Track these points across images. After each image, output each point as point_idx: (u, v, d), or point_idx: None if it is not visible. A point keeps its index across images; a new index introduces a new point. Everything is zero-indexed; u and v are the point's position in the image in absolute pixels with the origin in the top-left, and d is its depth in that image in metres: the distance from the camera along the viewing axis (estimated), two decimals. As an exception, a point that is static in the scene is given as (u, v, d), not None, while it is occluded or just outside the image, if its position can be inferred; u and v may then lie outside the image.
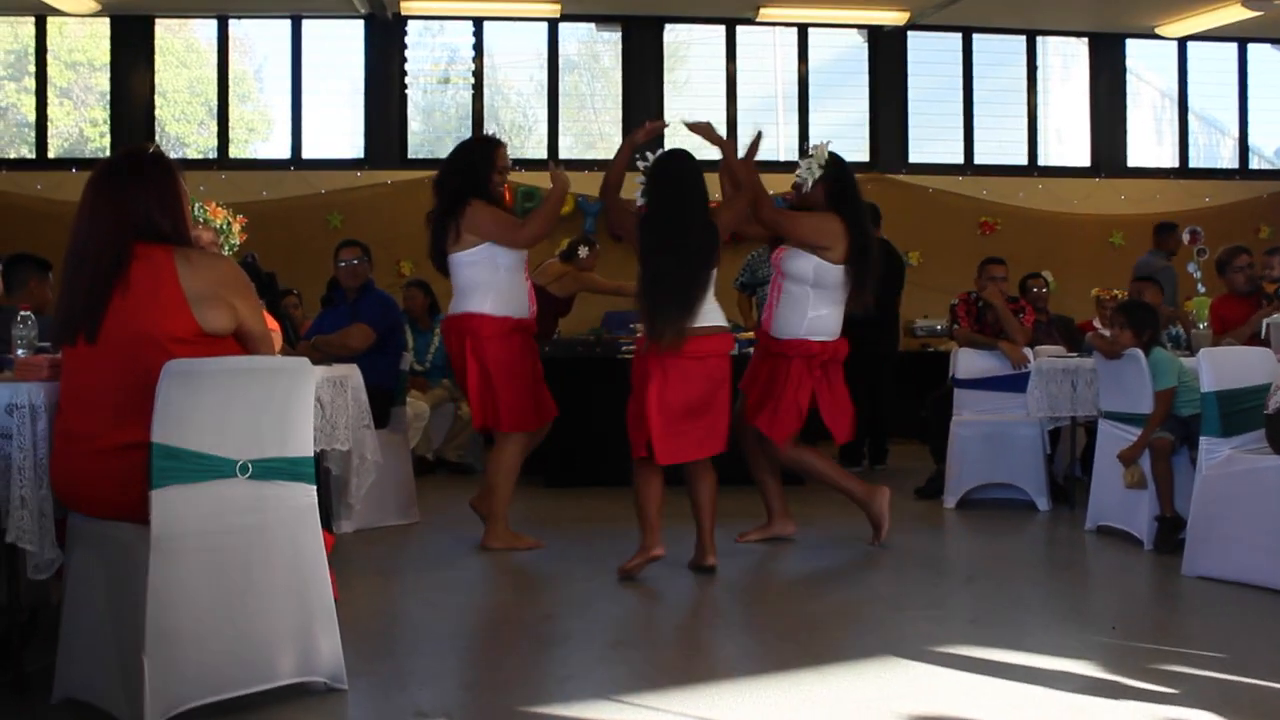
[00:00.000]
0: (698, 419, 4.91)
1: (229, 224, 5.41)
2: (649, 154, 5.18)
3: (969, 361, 7.27)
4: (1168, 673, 3.57)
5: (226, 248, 5.45)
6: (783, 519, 5.81)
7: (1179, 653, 3.86)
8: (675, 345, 4.83)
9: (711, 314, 4.96)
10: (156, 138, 11.31)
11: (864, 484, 5.73)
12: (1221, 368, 5.04)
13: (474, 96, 11.53)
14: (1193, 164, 12.36)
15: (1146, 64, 12.65)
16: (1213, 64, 12.34)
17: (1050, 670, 3.57)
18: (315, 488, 3.29)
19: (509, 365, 5.50)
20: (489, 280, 5.52)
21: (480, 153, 5.63)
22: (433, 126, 12.13)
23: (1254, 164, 12.58)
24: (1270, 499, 4.66)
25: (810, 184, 5.60)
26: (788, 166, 11.42)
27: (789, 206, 5.90)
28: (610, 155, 11.37)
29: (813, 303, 5.49)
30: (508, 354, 5.50)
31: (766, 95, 12.21)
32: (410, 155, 11.40)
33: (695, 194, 5.01)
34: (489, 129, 11.72)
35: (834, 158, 5.65)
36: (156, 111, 11.43)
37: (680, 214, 4.96)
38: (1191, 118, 12.42)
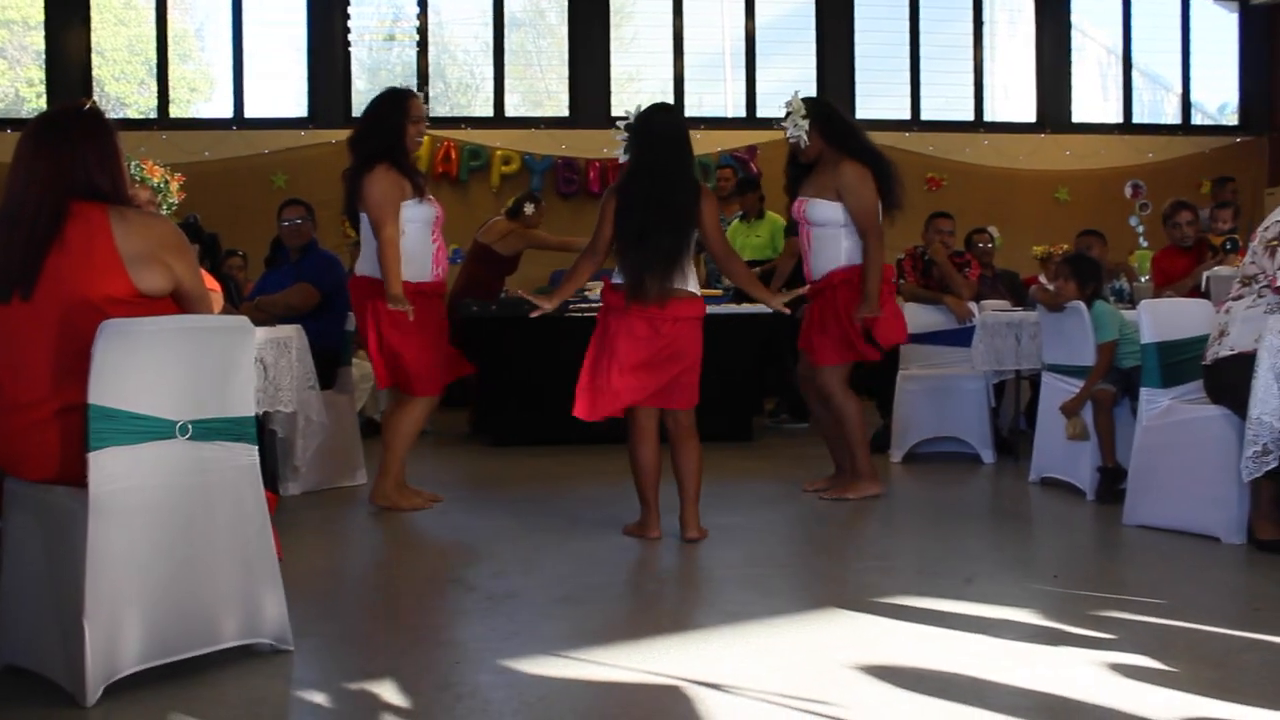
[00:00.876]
0: (666, 375, 4.78)
1: (166, 182, 5.31)
2: (628, 111, 5.04)
3: (914, 316, 7.29)
4: (1107, 619, 3.62)
5: (165, 207, 5.35)
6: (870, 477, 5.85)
7: (1118, 599, 3.92)
8: (660, 301, 4.71)
9: (691, 279, 4.85)
10: (95, 97, 11.10)
11: (874, 466, 5.83)
12: (1161, 319, 5.10)
13: (419, 54, 11.43)
14: (1136, 120, 12.46)
15: (1091, 19, 12.71)
16: (1156, 20, 12.43)
17: (993, 619, 3.62)
18: (257, 448, 3.26)
19: (404, 329, 5.33)
20: None
21: (391, 105, 5.45)
22: (378, 85, 11.95)
23: (1196, 120, 12.69)
24: (1207, 448, 4.74)
25: (805, 138, 5.61)
26: (736, 123, 11.55)
27: (794, 166, 5.85)
28: (558, 113, 11.43)
29: (845, 236, 5.60)
30: (403, 318, 5.29)
31: (714, 52, 12.16)
32: (355, 114, 11.23)
33: (681, 151, 4.86)
34: (435, 87, 11.62)
35: (811, 102, 5.66)
36: (94, 71, 11.23)
37: (666, 171, 4.79)
38: (1135, 73, 12.51)
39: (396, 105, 5.44)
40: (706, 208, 4.85)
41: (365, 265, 5.47)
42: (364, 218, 5.41)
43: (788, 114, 5.66)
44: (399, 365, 5.42)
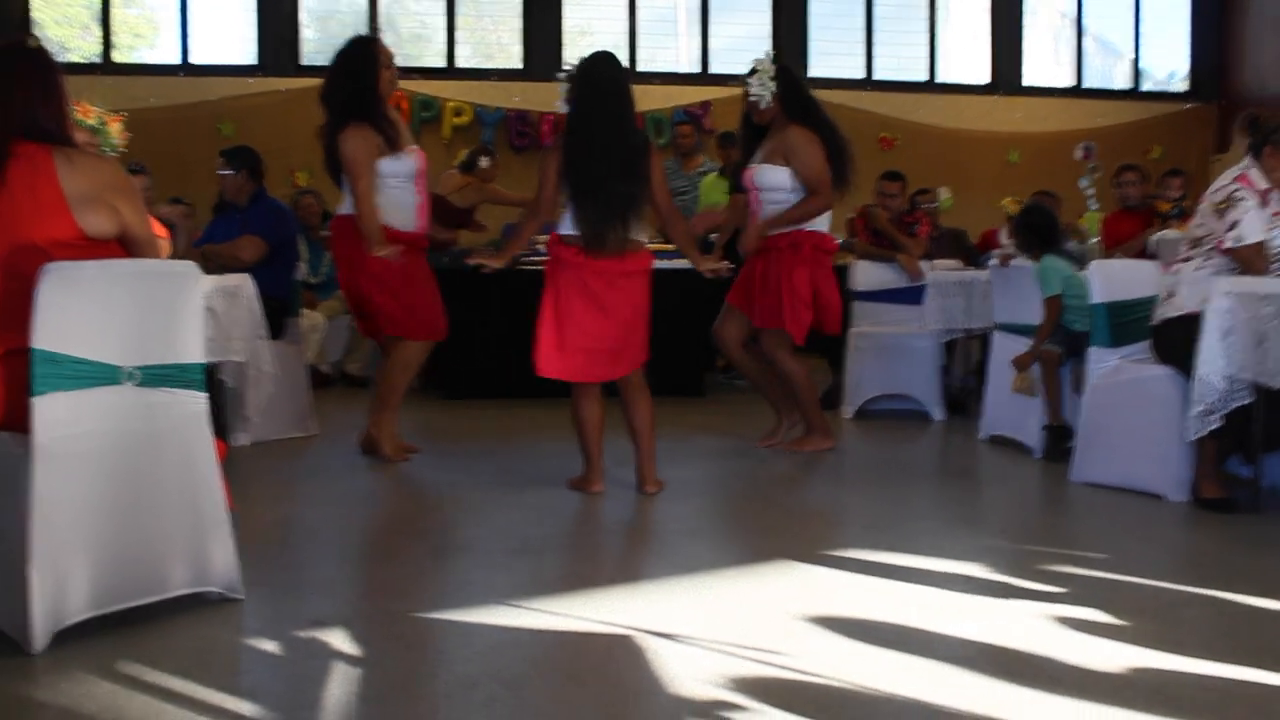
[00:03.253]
0: (619, 336, 4.73)
1: (104, 123, 5.18)
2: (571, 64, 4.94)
3: (866, 274, 7.35)
4: (1054, 573, 3.67)
5: (107, 149, 5.23)
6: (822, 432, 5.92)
7: (1065, 554, 3.97)
8: (618, 252, 4.64)
9: (639, 231, 4.78)
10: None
11: (826, 421, 5.89)
12: (1110, 280, 5.15)
13: (370, 3, 11.26)
14: (1087, 84, 12.53)
15: (1045, -18, 12.76)
16: (1109, -16, 12.50)
17: (941, 572, 3.65)
18: (206, 395, 3.22)
19: (400, 278, 5.35)
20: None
21: (361, 55, 5.30)
22: (328, 33, 11.80)
23: (1146, 86, 12.79)
24: (1154, 407, 4.80)
25: (768, 99, 5.62)
26: (689, 79, 11.50)
27: (748, 128, 5.84)
28: (510, 65, 11.31)
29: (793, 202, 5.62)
30: (380, 262, 5.26)
31: (667, 7, 12.09)
32: (304, 62, 11.12)
33: (625, 100, 4.76)
34: (386, 37, 11.39)
35: (782, 69, 5.67)
36: (34, 13, 10.97)
37: (613, 119, 4.69)
38: (1087, 39, 12.57)
39: (366, 53, 5.31)
40: (655, 161, 4.80)
41: (344, 206, 5.41)
42: (344, 169, 5.33)
43: (754, 71, 5.66)
44: (396, 312, 5.40)
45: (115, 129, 5.21)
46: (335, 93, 5.31)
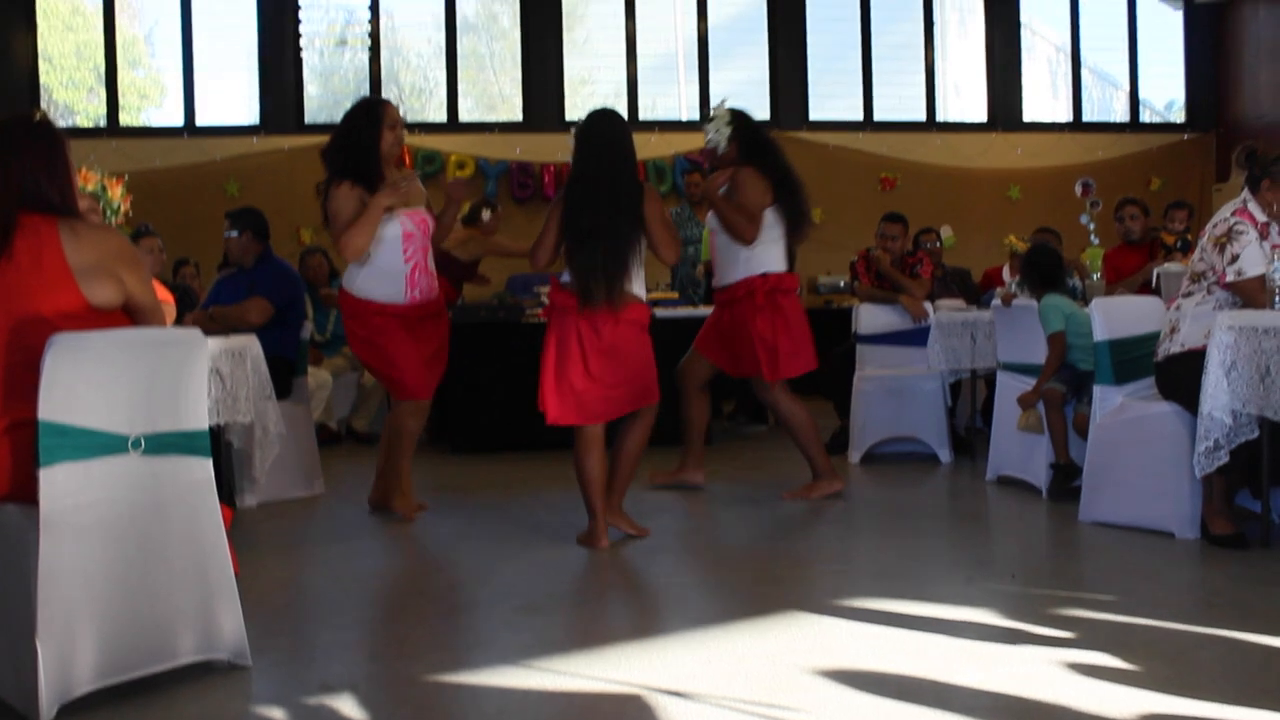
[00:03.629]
0: (620, 378, 4.85)
1: (104, 188, 5.19)
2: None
3: (870, 317, 7.35)
4: (1064, 617, 3.66)
5: (109, 214, 5.25)
6: (696, 468, 6.03)
7: (1075, 597, 3.96)
8: (611, 306, 4.75)
9: (638, 283, 4.90)
10: (43, 104, 10.97)
11: (831, 463, 5.90)
12: (1113, 317, 5.16)
13: (371, 59, 11.36)
14: (1086, 118, 12.58)
15: (1040, 18, 12.84)
16: (1104, 18, 12.56)
17: (952, 620, 3.64)
18: (211, 461, 3.23)
19: (374, 344, 5.36)
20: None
21: (364, 114, 5.32)
22: (330, 90, 11.91)
23: (1145, 117, 12.84)
24: (1160, 444, 4.79)
25: (724, 145, 5.73)
26: (690, 126, 11.56)
27: (707, 169, 6.04)
28: (512, 118, 11.39)
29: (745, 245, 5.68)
30: (365, 330, 5.35)
31: (666, 54, 12.18)
32: (308, 120, 11.20)
33: (622, 156, 4.91)
34: (388, 92, 11.55)
35: (737, 114, 5.79)
36: (42, 77, 11.10)
37: (608, 176, 4.84)
38: (1085, 72, 12.64)
39: (369, 114, 5.32)
40: (649, 206, 4.90)
41: (346, 278, 5.45)
42: None
43: (711, 118, 5.79)
44: (380, 374, 5.51)
45: (117, 192, 5.23)
46: (332, 151, 5.34)
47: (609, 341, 4.80)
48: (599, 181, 4.83)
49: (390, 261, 5.29)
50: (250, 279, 6.47)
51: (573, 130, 5.00)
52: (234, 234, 6.51)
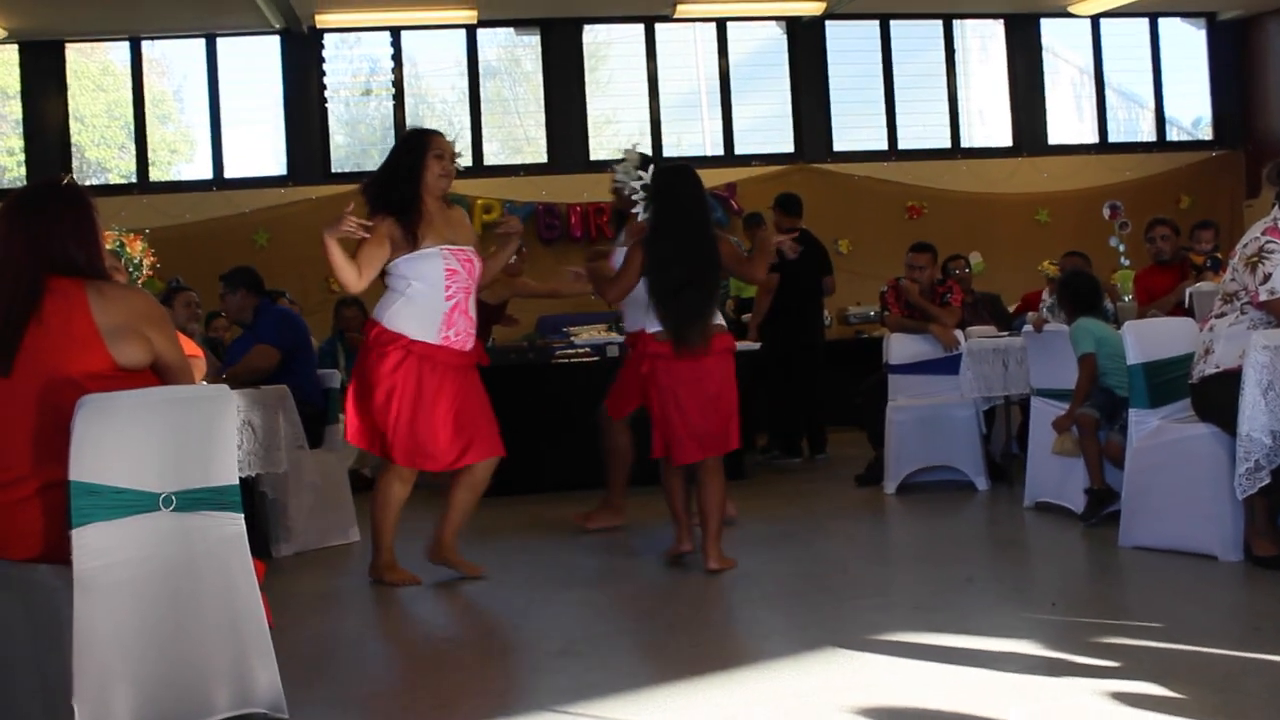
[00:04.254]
0: (714, 418, 5.05)
1: (122, 245, 5.24)
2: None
3: (901, 346, 7.31)
4: (1108, 645, 3.60)
5: (131, 269, 5.30)
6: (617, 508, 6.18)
7: (1118, 625, 3.90)
8: (704, 348, 5.00)
9: (718, 314, 5.20)
10: (75, 163, 11.13)
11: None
12: (1146, 339, 5.11)
13: (396, 107, 11.46)
14: (1112, 139, 12.54)
15: (1062, 42, 12.82)
16: (1126, 39, 12.54)
17: (993, 651, 3.58)
18: (242, 515, 3.23)
19: (367, 389, 4.95)
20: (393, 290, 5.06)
21: (408, 145, 5.10)
22: (357, 139, 12.03)
23: (1172, 135, 12.77)
24: (1199, 466, 4.73)
25: (625, 191, 5.36)
26: (715, 161, 11.59)
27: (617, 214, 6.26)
28: (537, 159, 11.45)
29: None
30: (375, 365, 4.92)
31: (689, 92, 12.24)
32: (334, 169, 11.31)
33: (705, 214, 5.22)
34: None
35: (644, 158, 5.47)
36: (74, 137, 11.28)
37: (693, 233, 5.08)
38: (1109, 93, 12.60)
39: (414, 143, 5.10)
40: (724, 250, 5.20)
41: (378, 308, 5.07)
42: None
43: (621, 161, 5.62)
44: (372, 426, 4.98)
45: (136, 249, 5.28)
46: (371, 184, 5.09)
47: (704, 376, 5.03)
48: (683, 237, 5.05)
49: (429, 297, 4.93)
50: (253, 332, 6.54)
51: (639, 184, 5.18)
52: (228, 294, 6.60)
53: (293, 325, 6.60)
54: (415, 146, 5.09)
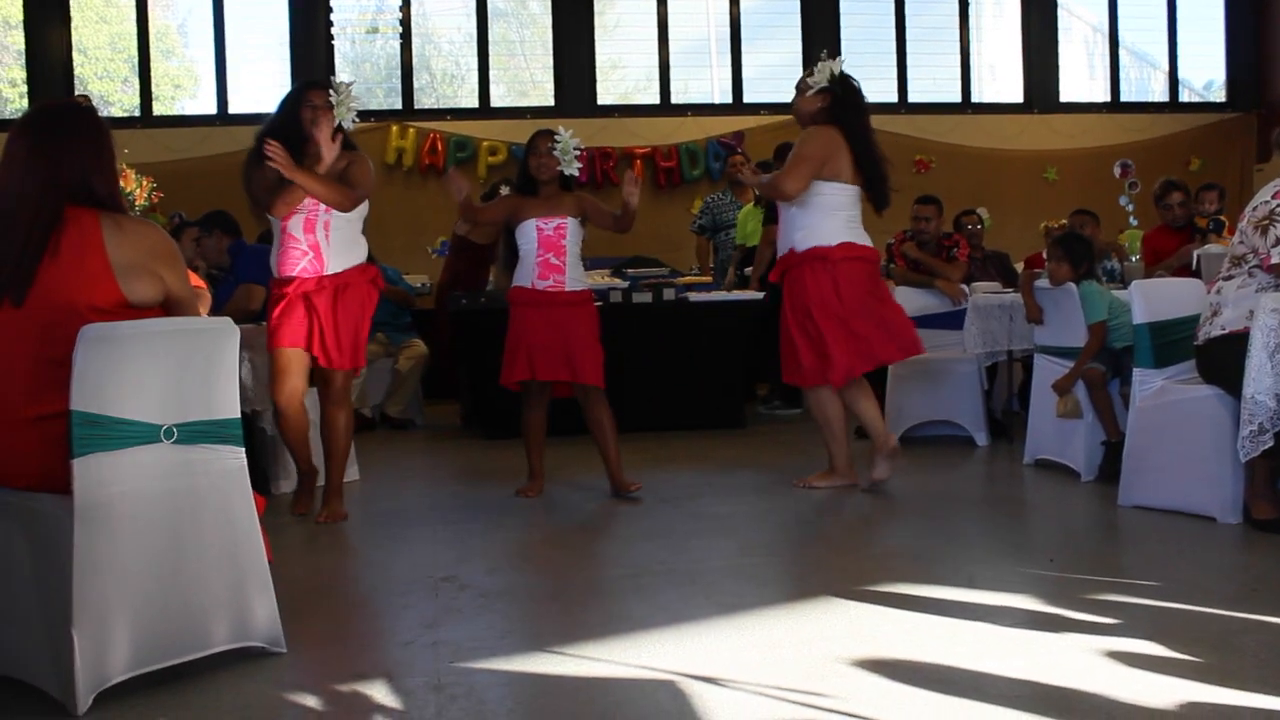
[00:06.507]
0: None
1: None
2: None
3: (906, 300, 7.24)
4: (1104, 603, 3.61)
5: (134, 209, 5.28)
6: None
7: (1115, 582, 3.91)
8: None
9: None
10: (77, 95, 11.03)
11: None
12: (1153, 299, 5.08)
13: (403, 47, 11.35)
14: (1124, 98, 12.42)
15: (1077, -1, 12.68)
16: (1142, -2, 12.40)
17: (989, 605, 3.60)
18: (244, 449, 3.22)
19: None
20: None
21: (287, 98, 5.29)
22: (362, 78, 11.91)
23: (1184, 97, 12.66)
24: (1201, 428, 4.72)
25: (814, 90, 5.79)
26: (723, 109, 11.50)
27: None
28: (544, 103, 11.36)
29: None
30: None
31: (699, 38, 12.10)
32: (339, 107, 11.20)
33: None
34: (419, 79, 11.56)
35: (844, 76, 5.86)
36: (77, 69, 11.16)
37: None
38: (1122, 52, 12.47)
39: (291, 98, 5.31)
40: (586, 205, 5.70)
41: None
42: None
43: (823, 60, 5.85)
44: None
45: (131, 183, 5.24)
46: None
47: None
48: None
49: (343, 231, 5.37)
50: (233, 275, 6.52)
51: (559, 151, 5.51)
52: (204, 237, 6.58)
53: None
54: (295, 96, 5.30)
